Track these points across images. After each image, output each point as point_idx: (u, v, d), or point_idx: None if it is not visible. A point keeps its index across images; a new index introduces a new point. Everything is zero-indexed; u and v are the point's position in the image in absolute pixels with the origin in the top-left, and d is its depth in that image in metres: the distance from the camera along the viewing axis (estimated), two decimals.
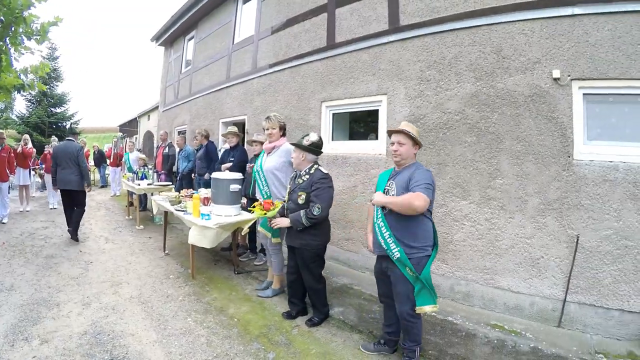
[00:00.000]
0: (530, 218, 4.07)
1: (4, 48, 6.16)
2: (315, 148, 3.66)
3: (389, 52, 5.18)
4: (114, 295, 4.60)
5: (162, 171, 9.18)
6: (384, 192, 3.03)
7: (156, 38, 14.18)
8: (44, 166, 12.39)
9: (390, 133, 3.20)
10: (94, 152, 15.75)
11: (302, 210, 3.51)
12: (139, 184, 8.32)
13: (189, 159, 8.89)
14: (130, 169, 10.12)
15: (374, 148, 5.54)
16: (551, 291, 3.98)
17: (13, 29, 5.88)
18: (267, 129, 4.38)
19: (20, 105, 37.50)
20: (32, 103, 25.53)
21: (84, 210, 7.38)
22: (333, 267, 5.66)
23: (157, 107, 26.16)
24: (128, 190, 9.61)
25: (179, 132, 12.50)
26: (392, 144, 3.10)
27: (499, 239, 4.26)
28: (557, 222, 3.93)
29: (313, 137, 3.67)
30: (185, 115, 11.93)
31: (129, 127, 35.21)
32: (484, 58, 4.33)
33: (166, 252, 6.43)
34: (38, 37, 6.43)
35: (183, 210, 5.40)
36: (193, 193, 5.91)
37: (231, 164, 6.15)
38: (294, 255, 3.82)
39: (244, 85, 8.47)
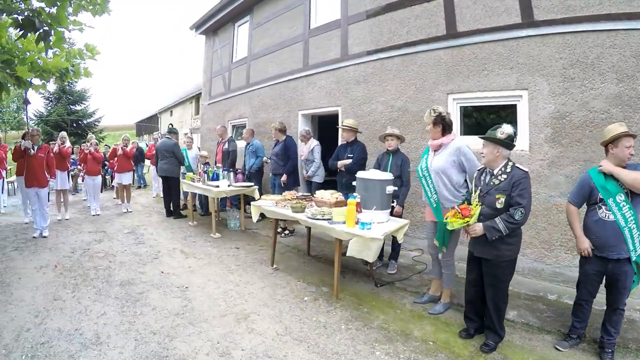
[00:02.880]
0: None
1: (57, 14, 4.65)
2: (511, 142, 3.23)
3: (526, 47, 4.99)
4: (253, 335, 3.53)
5: (239, 169, 8.07)
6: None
7: (197, 26, 12.97)
8: (79, 167, 11.04)
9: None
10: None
11: (497, 217, 3.09)
12: (217, 186, 6.95)
13: (258, 154, 8.01)
14: (189, 168, 8.80)
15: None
16: None
17: None
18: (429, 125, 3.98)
19: (38, 104, 36.37)
20: (51, 101, 24.33)
21: (178, 194, 8.79)
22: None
23: (181, 103, 25.63)
24: (186, 193, 8.68)
25: (234, 127, 11.38)
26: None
27: None
28: None
29: (508, 130, 3.21)
30: (243, 108, 10.65)
31: (148, 124, 34.33)
32: (624, 61, 4.34)
33: (274, 266, 5.40)
34: (96, 7, 5.04)
35: (326, 219, 4.42)
36: (343, 197, 5.04)
37: (350, 160, 5.54)
38: (479, 267, 3.39)
39: (332, 73, 7.60)
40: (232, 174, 7.34)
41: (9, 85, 5.38)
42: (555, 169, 4.73)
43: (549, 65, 4.81)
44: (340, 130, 7.34)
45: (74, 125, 23.90)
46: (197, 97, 22.47)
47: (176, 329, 3.64)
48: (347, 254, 4.02)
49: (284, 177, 6.95)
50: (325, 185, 7.08)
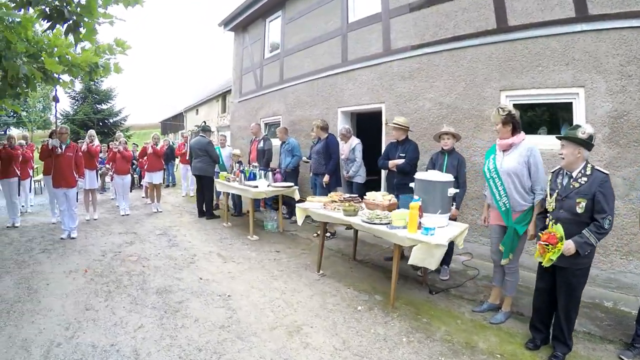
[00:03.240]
0: None
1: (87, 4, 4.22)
2: (591, 142, 3.05)
3: (582, 42, 4.78)
4: (309, 350, 3.21)
5: (277, 169, 7.63)
6: None
7: (225, 23, 12.64)
8: (107, 165, 10.78)
9: None
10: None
11: (585, 230, 2.92)
12: (255, 186, 6.50)
13: (294, 153, 7.58)
14: (222, 167, 8.40)
15: None
16: None
17: None
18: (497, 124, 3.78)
19: (64, 103, 36.85)
20: (77, 100, 24.46)
21: (212, 193, 8.45)
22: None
23: (207, 101, 25.53)
24: (220, 192, 8.45)
25: (267, 125, 11.01)
26: None
27: None
28: None
29: (589, 129, 3.05)
30: (277, 105, 10.23)
31: (173, 122, 34.49)
32: None
33: (321, 272, 5.03)
34: None
35: (384, 224, 4.06)
36: (394, 199, 4.70)
37: (402, 160, 5.21)
38: (551, 275, 3.21)
39: (374, 69, 7.23)
40: (270, 173, 6.88)
41: (35, 81, 5.05)
42: (612, 170, 4.37)
43: (606, 62, 4.61)
44: (384, 128, 7.05)
45: (100, 124, 23.96)
46: (223, 95, 22.27)
47: (223, 344, 3.23)
48: (410, 262, 3.73)
49: (326, 178, 6.48)
50: (367, 186, 6.73)
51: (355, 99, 7.67)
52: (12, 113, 34.83)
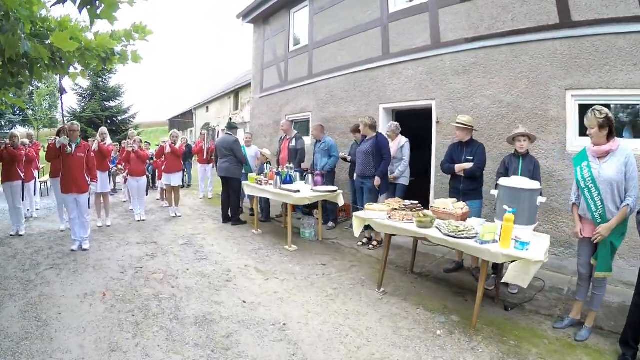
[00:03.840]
0: None
1: None
2: None
3: None
4: None
5: (318, 171, 6.73)
6: None
7: (244, 15, 11.88)
8: (119, 166, 9.98)
9: None
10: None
11: None
12: (296, 191, 5.69)
13: (331, 153, 6.91)
14: (248, 168, 7.56)
15: None
16: None
17: None
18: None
19: (71, 100, 36.19)
20: (84, 97, 23.69)
21: (239, 197, 7.59)
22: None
23: (218, 97, 24.70)
24: (247, 196, 7.55)
25: (293, 122, 10.01)
26: None
27: None
28: None
29: None
30: (305, 101, 9.41)
31: (182, 120, 33.79)
32: None
33: (382, 289, 4.39)
34: None
35: (471, 237, 3.55)
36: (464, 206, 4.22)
37: (470, 164, 4.70)
38: None
39: (422, 62, 6.65)
40: (310, 176, 6.05)
41: (40, 65, 4.25)
42: None
43: None
44: (435, 127, 6.49)
45: (109, 122, 23.18)
46: (236, 92, 21.51)
47: None
48: (504, 280, 3.40)
49: (377, 180, 5.67)
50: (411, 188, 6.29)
51: (400, 94, 6.95)
52: (18, 111, 34.34)
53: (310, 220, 6.45)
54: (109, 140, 7.41)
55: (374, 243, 5.96)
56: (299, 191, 5.63)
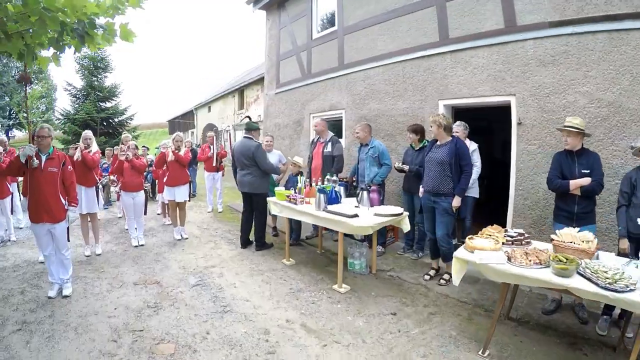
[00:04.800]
0: None
1: None
2: None
3: None
4: None
5: (372, 185, 5.15)
6: None
7: (255, 0, 10.36)
8: (111, 176, 8.52)
9: None
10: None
11: None
12: (354, 215, 4.22)
13: (382, 161, 5.50)
14: (271, 180, 6.16)
15: None
16: None
17: None
18: None
19: (64, 101, 34.77)
20: (78, 98, 22.13)
21: (265, 219, 6.03)
22: None
23: (221, 96, 23.28)
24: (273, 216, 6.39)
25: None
26: None
27: None
28: None
29: None
30: (336, 96, 7.91)
31: (182, 120, 32.49)
32: None
33: (487, 352, 3.15)
34: None
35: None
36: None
37: (588, 179, 3.66)
38: None
39: (495, 50, 5.32)
40: (365, 192, 4.60)
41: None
42: None
43: None
44: (515, 130, 5.18)
45: (104, 123, 21.59)
46: (240, 90, 20.17)
47: None
48: None
49: (456, 201, 4.30)
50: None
51: (468, 88, 5.54)
52: (13, 114, 32.89)
53: (361, 247, 5.00)
54: (95, 147, 5.89)
55: (445, 277, 4.61)
56: (357, 216, 4.15)
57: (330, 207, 4.49)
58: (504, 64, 5.17)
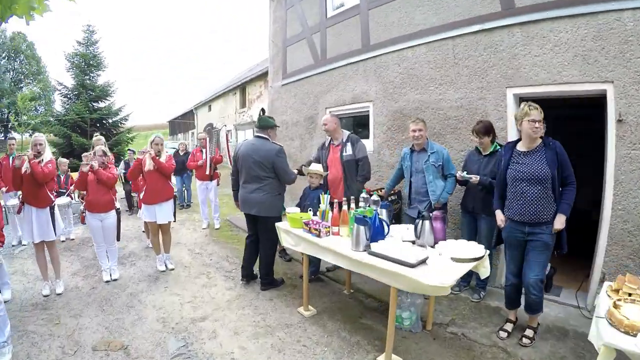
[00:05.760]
0: None
1: None
2: None
3: None
4: None
5: (436, 207, 3.62)
6: None
7: None
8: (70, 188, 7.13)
9: None
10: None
11: None
12: (422, 262, 2.75)
13: (447, 171, 4.18)
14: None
15: None
16: None
17: None
18: None
19: (55, 102, 33.62)
20: (69, 98, 20.62)
21: (275, 250, 4.51)
22: None
23: (222, 95, 21.95)
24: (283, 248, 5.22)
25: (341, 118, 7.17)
26: None
27: None
28: None
29: None
30: (359, 85, 6.33)
31: (183, 120, 31.32)
32: None
33: None
34: None
35: None
36: None
37: None
38: None
39: (582, 22, 3.80)
40: (427, 222, 3.10)
41: None
42: None
43: None
44: (613, 126, 3.74)
45: (97, 125, 20.06)
46: (242, 87, 18.83)
47: None
48: None
49: (560, 222, 2.90)
50: None
51: (547, 72, 4.02)
52: (14, 115, 31.72)
53: (413, 296, 3.51)
54: (48, 155, 4.41)
55: (528, 333, 3.28)
56: (424, 263, 2.66)
57: (375, 246, 2.99)
58: (596, 40, 3.70)
